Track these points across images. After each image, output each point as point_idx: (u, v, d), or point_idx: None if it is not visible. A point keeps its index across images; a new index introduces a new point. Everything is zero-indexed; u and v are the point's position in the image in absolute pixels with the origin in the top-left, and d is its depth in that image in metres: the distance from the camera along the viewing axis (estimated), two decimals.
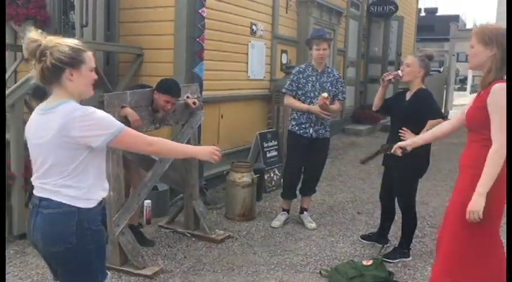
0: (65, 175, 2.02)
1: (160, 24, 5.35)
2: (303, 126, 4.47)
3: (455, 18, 42.77)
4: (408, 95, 3.93)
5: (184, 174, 4.34)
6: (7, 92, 4.08)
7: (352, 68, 11.08)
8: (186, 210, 4.41)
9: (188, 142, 4.17)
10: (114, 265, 3.63)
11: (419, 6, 19.17)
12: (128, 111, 3.55)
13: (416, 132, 3.71)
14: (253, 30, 6.61)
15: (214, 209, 5.18)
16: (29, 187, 4.20)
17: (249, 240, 4.35)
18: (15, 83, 5.81)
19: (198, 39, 5.26)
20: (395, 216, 4.26)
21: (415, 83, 3.86)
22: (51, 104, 2.03)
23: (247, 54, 6.55)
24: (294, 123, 4.53)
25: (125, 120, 3.56)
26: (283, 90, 4.62)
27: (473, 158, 2.53)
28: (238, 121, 6.40)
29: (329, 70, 4.61)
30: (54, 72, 1.99)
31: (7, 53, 6.25)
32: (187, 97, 4.12)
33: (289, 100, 4.57)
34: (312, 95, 4.44)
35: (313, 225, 4.69)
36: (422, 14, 34.21)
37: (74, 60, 2.01)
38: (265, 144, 6.12)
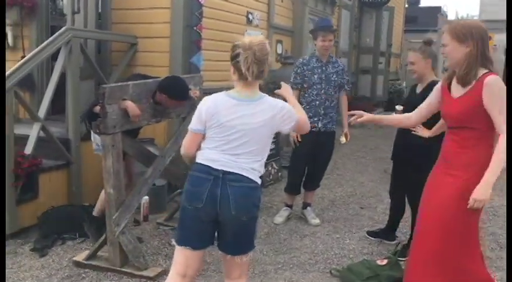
0: (260, 156, 2.38)
1: (156, 12, 5.10)
2: (311, 120, 4.29)
3: (438, 9, 43.00)
4: (419, 88, 3.79)
5: (185, 169, 4.14)
6: None
7: (344, 59, 10.92)
8: None
9: None
10: (114, 266, 3.44)
11: None
12: (129, 104, 3.33)
13: (430, 127, 3.58)
14: (249, 19, 6.40)
15: None
16: (19, 184, 3.97)
17: None
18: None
19: (195, 28, 5.04)
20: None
21: (426, 75, 3.72)
22: (256, 95, 2.36)
23: None
24: None
25: (125, 113, 3.36)
26: (290, 85, 4.44)
27: (474, 157, 2.47)
28: None
29: (333, 60, 4.45)
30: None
31: None
32: (190, 89, 3.91)
33: None
34: (319, 87, 4.29)
35: (317, 221, 4.56)
36: (406, 5, 34.23)
37: None
38: None
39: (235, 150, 2.32)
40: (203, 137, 2.40)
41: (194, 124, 2.41)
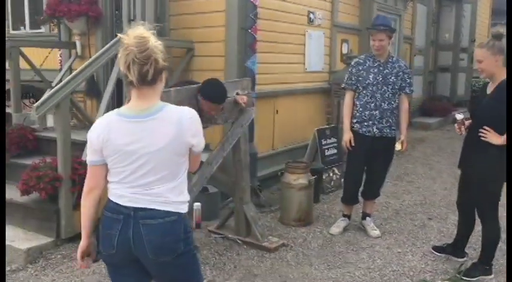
0: (175, 180, 1.98)
1: (211, 16, 5.04)
2: (365, 124, 4.00)
3: None
4: (490, 88, 3.37)
5: (234, 176, 4.03)
6: (51, 90, 3.95)
7: (420, 57, 10.29)
8: (237, 215, 4.09)
9: (238, 141, 3.86)
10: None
11: None
12: None
13: (500, 132, 3.16)
14: (310, 19, 6.16)
15: (269, 211, 4.83)
16: (76, 189, 4.07)
17: (304, 250, 3.97)
18: None
19: (250, 31, 4.92)
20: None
21: (496, 74, 3.29)
22: (154, 107, 1.94)
23: (304, 45, 6.12)
24: (355, 121, 4.06)
25: None
26: (343, 85, 4.18)
27: None
28: (294, 117, 6.00)
29: (393, 60, 4.10)
30: (161, 73, 1.93)
31: (63, 51, 6.25)
32: (237, 93, 3.78)
33: (346, 101, 4.15)
34: (375, 88, 3.96)
35: (377, 232, 4.23)
36: None
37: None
38: (324, 142, 5.68)
39: (142, 180, 1.94)
40: (107, 169, 2.01)
41: (88, 155, 2.01)
